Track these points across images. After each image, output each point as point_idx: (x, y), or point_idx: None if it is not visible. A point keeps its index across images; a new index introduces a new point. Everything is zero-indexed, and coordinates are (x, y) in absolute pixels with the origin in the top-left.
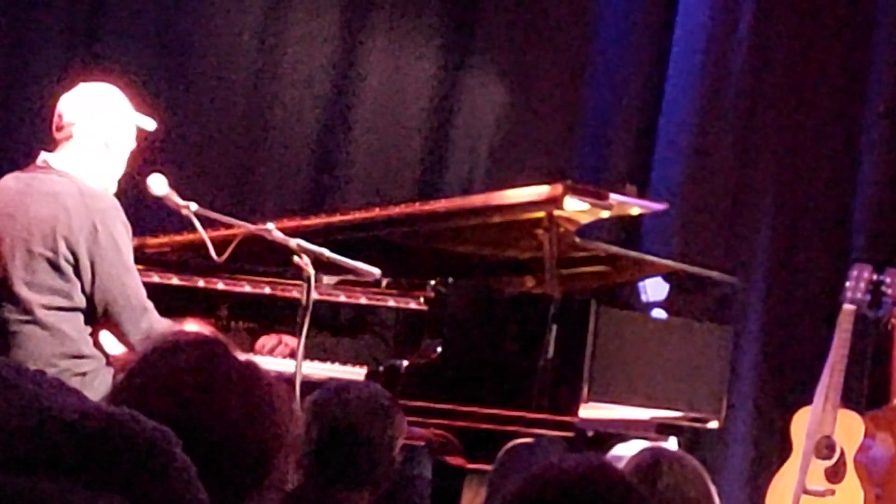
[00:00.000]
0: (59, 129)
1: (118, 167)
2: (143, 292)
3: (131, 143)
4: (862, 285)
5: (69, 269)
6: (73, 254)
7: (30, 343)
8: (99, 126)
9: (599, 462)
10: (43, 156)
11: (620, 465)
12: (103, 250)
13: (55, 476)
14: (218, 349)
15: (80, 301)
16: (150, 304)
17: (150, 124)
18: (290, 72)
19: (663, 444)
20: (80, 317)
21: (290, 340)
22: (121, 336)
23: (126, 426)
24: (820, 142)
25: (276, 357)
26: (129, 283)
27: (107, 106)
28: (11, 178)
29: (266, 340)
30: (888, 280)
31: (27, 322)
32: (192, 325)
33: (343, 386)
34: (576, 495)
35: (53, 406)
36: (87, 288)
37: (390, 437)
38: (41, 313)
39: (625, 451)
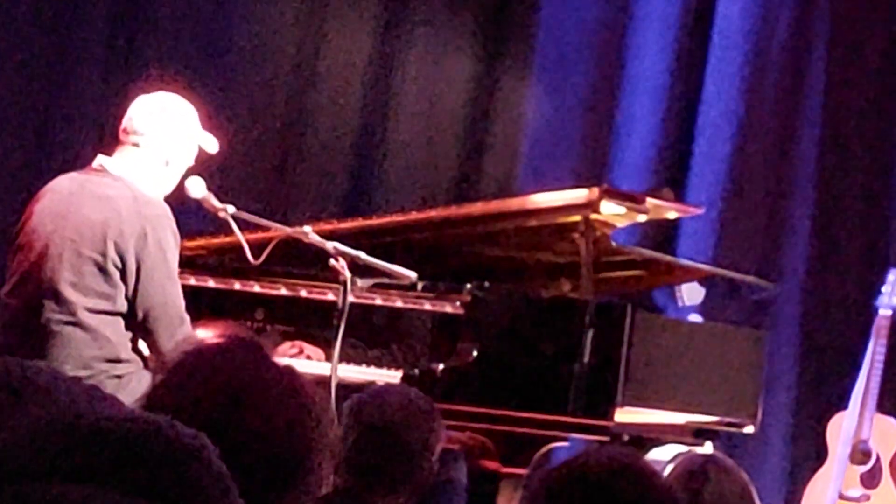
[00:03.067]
0: (126, 132)
1: (173, 183)
2: (183, 304)
3: (190, 162)
4: None
5: (116, 274)
6: (122, 258)
7: (69, 344)
8: (165, 143)
9: (628, 457)
10: (100, 159)
11: (659, 468)
12: (150, 257)
13: (90, 484)
14: (256, 353)
15: (123, 306)
16: (187, 317)
17: (213, 146)
18: (327, 74)
19: (703, 450)
20: (122, 321)
21: (311, 350)
22: (153, 344)
23: (162, 433)
24: (857, 146)
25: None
26: (170, 292)
27: (177, 123)
28: (66, 179)
29: (287, 349)
30: None
31: (69, 323)
32: (206, 331)
33: (383, 390)
34: (602, 487)
35: (89, 413)
36: (130, 293)
37: (429, 441)
38: (84, 315)
39: (660, 456)
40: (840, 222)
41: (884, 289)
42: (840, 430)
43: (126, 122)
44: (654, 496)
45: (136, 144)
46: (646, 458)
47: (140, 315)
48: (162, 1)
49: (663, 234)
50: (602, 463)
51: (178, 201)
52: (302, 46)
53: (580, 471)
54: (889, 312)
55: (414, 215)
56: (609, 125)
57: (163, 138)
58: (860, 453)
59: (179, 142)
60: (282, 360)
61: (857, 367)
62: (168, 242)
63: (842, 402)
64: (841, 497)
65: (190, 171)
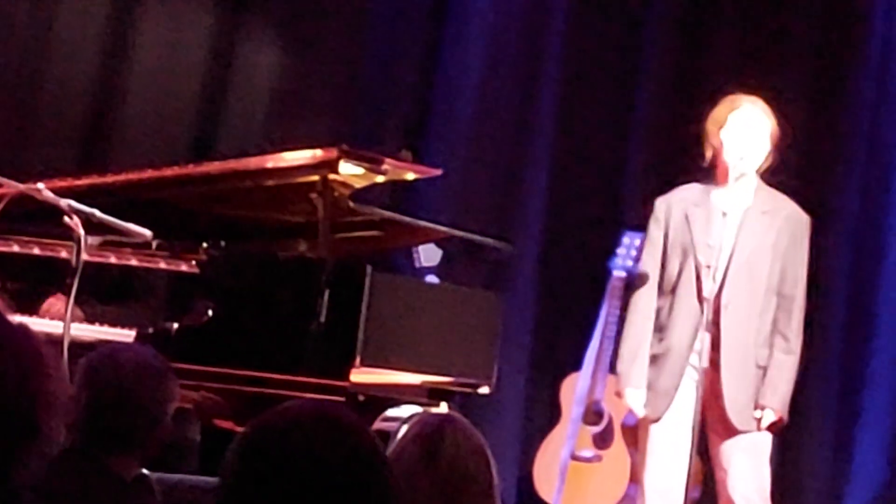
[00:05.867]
0: None
1: None
2: None
3: None
4: (633, 253)
5: None
6: None
7: None
8: None
9: (330, 409)
10: None
11: (393, 426)
12: None
13: None
14: None
15: None
16: None
17: None
18: (62, 30)
19: (439, 410)
20: None
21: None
22: None
23: None
24: (594, 109)
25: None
26: None
27: None
28: None
29: (54, 302)
30: None
31: None
32: None
33: (116, 348)
34: (296, 437)
35: None
36: None
37: (163, 401)
38: None
39: (396, 415)
40: (576, 185)
41: (618, 251)
42: (573, 390)
43: None
44: (358, 448)
45: None
46: (382, 416)
47: None
48: None
49: (401, 196)
50: (302, 416)
51: None
52: (35, 1)
53: (280, 425)
54: (623, 274)
55: (150, 173)
56: (349, 85)
57: None
58: (593, 414)
59: None
60: (14, 319)
61: (592, 329)
62: None
63: (576, 364)
64: (573, 457)
65: None
